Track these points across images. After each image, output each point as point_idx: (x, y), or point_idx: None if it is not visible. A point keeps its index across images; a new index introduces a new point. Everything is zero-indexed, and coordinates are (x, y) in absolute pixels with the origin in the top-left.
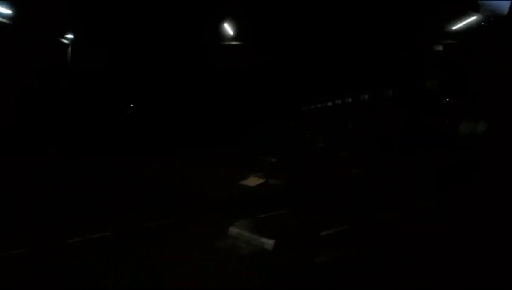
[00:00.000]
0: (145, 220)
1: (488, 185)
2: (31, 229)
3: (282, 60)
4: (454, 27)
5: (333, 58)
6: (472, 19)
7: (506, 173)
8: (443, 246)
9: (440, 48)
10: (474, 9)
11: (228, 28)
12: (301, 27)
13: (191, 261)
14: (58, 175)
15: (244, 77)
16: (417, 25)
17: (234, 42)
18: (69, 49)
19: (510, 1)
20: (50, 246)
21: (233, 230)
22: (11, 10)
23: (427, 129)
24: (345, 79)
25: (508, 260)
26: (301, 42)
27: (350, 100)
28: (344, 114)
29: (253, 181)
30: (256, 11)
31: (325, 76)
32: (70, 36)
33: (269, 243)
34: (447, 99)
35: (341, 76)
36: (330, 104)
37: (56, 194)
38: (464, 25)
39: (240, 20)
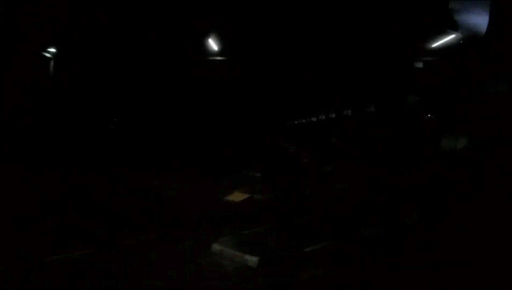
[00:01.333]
0: (125, 237)
1: (469, 199)
2: (7, 247)
3: (267, 75)
4: (434, 45)
5: (317, 74)
6: (451, 37)
7: (485, 186)
8: (426, 261)
9: (421, 65)
10: (453, 28)
11: (212, 43)
12: (285, 44)
13: (172, 279)
14: (36, 191)
15: (228, 92)
16: (397, 42)
17: (218, 58)
18: (52, 63)
19: (487, 20)
20: (27, 264)
21: (216, 247)
22: None
23: (409, 144)
24: (329, 95)
25: (490, 271)
26: (285, 59)
27: (334, 115)
28: (328, 129)
29: (237, 196)
30: (241, 26)
31: (309, 92)
32: (52, 50)
33: (253, 260)
34: (428, 115)
35: (325, 92)
36: (314, 119)
37: (34, 210)
38: (443, 43)
39: (224, 34)
